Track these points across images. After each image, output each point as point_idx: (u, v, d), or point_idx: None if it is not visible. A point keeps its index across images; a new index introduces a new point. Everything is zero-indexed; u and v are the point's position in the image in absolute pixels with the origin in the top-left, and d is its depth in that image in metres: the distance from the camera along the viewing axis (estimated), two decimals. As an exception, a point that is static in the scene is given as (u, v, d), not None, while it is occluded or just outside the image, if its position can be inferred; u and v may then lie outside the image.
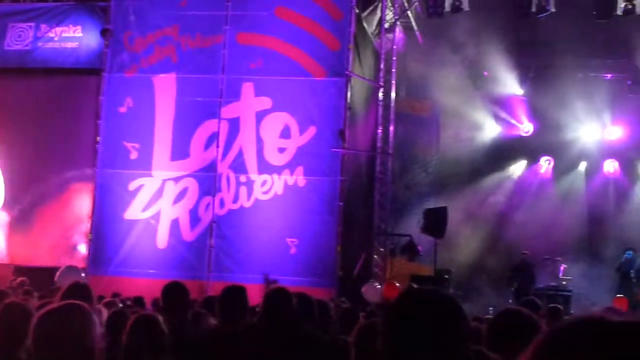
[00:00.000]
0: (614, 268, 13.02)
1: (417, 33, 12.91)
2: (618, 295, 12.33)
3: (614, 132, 14.16)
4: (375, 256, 12.80)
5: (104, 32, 11.58)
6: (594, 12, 12.61)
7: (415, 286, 7.32)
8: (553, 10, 12.39)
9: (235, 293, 4.16)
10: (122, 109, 11.43)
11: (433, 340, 1.75)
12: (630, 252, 12.98)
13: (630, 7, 12.45)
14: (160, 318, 3.25)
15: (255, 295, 4.53)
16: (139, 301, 7.34)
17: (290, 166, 11.28)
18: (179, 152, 11.04)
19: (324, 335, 4.09)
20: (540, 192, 14.60)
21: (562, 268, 13.33)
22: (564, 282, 13.11)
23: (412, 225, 12.95)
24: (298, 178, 11.30)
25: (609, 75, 13.93)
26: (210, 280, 10.52)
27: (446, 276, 12.65)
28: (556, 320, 5.65)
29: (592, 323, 0.96)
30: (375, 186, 12.97)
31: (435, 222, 12.51)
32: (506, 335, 2.60)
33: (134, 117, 11.39)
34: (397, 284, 11.48)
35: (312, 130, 11.31)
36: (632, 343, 0.92)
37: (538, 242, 13.61)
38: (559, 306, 7.40)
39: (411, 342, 1.75)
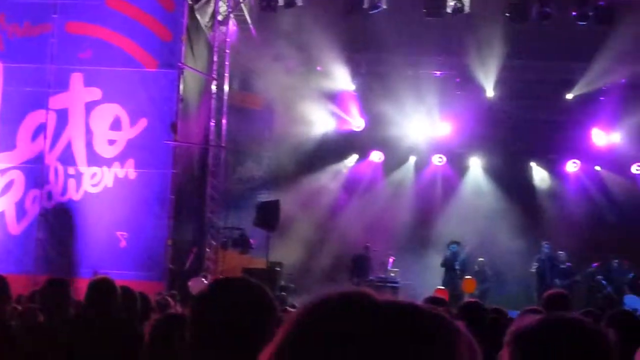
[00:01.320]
0: (440, 263, 17.24)
1: (251, 26, 16.09)
2: (439, 287, 16.52)
3: (443, 128, 18.44)
4: (207, 250, 15.84)
5: None
6: (424, 10, 16.48)
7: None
8: (385, 7, 16.07)
9: (56, 286, 5.13)
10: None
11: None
12: (455, 245, 17.32)
13: (459, 5, 16.41)
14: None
15: (85, 289, 5.33)
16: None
17: (121, 159, 13.87)
18: (5, 143, 13.35)
19: (141, 327, 4.86)
20: (372, 186, 18.77)
21: (390, 260, 17.47)
22: (392, 274, 17.25)
23: (245, 219, 16.25)
24: (129, 171, 13.93)
25: (438, 73, 18.12)
26: (38, 275, 12.92)
27: (278, 269, 16.10)
28: None
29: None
30: (208, 179, 15.91)
31: (268, 216, 15.92)
32: None
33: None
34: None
35: (143, 122, 13.98)
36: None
37: (369, 234, 17.64)
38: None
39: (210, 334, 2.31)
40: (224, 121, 15.90)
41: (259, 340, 2.01)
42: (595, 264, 17.48)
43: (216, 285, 2.52)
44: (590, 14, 15.79)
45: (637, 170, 18.97)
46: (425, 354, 1.17)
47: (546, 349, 2.00)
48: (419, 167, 19.15)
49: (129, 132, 14.01)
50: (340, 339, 1.16)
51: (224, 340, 2.30)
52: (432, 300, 7.01)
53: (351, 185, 18.80)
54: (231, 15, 15.77)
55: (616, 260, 17.60)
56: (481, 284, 17.32)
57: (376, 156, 18.92)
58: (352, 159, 19.09)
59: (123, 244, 13.76)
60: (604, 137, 18.42)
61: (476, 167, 19.47)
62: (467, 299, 14.21)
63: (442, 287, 16.58)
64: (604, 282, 17.28)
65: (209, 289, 2.49)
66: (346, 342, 1.15)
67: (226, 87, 15.90)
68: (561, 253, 17.56)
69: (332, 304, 1.22)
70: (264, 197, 16.82)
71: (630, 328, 4.62)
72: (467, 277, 17.20)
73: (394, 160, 18.88)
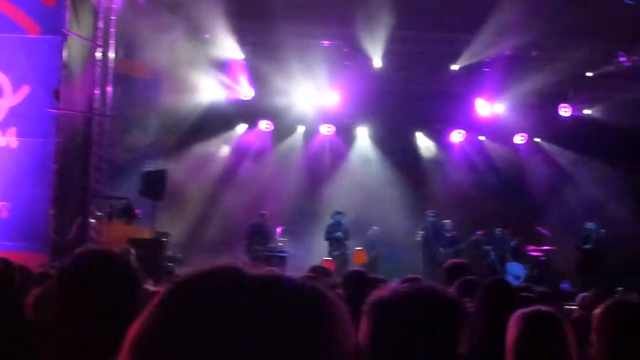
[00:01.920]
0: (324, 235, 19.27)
1: None
2: (326, 258, 18.58)
3: (331, 97, 20.50)
4: (91, 220, 17.10)
5: None
6: (313, -20, 18.30)
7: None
8: (273, -24, 17.80)
9: None
10: None
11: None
12: (339, 215, 19.39)
13: (348, -24, 18.45)
14: None
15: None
16: None
17: (2, 127, 14.85)
18: None
19: (21, 299, 4.92)
20: (260, 155, 20.90)
21: (279, 230, 19.39)
22: (281, 244, 19.14)
23: (131, 189, 17.70)
24: (10, 139, 14.95)
25: (326, 43, 20.00)
26: None
27: (165, 239, 17.44)
28: None
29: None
30: (93, 148, 16.97)
31: (154, 185, 17.33)
32: None
33: None
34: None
35: (25, 90, 14.98)
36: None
37: (258, 203, 19.62)
38: (274, 268, 12.25)
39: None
40: (109, 89, 17.02)
41: (125, 312, 2.26)
42: (479, 232, 20.09)
43: (78, 258, 2.69)
44: (476, -14, 18.01)
45: (520, 140, 21.87)
46: (289, 327, 1.26)
47: (398, 319, 2.22)
48: (308, 137, 21.48)
49: (10, 100, 14.98)
50: (202, 317, 1.25)
51: (88, 313, 2.48)
52: (316, 269, 8.25)
53: (240, 155, 20.93)
54: (117, -19, 17.00)
55: (499, 229, 20.28)
56: (370, 252, 19.63)
57: (265, 125, 21.05)
58: (241, 128, 21.20)
59: (4, 214, 14.70)
60: (487, 108, 20.98)
61: (364, 137, 21.87)
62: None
63: (329, 258, 18.72)
64: (488, 250, 19.90)
65: (71, 262, 2.68)
66: (209, 320, 1.24)
67: (112, 55, 17.00)
68: (447, 222, 20.05)
69: (197, 281, 1.31)
70: (151, 166, 18.23)
71: (504, 296, 5.35)
72: (357, 248, 19.45)
73: (283, 130, 21.09)
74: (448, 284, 6.55)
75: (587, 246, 19.53)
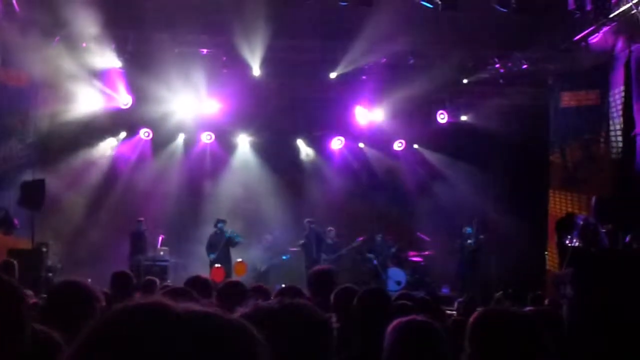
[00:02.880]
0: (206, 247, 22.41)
1: (14, 0, 19.53)
2: (217, 265, 21.84)
3: (210, 105, 23.57)
4: (-30, 231, 19.49)
5: None
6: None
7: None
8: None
9: None
10: None
11: None
12: (222, 223, 22.66)
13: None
14: None
15: None
16: None
17: None
18: None
19: None
20: (141, 163, 24.07)
21: (160, 238, 22.52)
22: (162, 253, 22.19)
23: (9, 199, 20.04)
24: None
25: (205, 51, 22.62)
26: None
27: (44, 249, 19.91)
28: (151, 292, 9.30)
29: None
30: None
31: (33, 195, 19.75)
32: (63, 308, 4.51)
33: None
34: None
35: None
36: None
37: (139, 211, 22.70)
38: (154, 278, 10.99)
39: None
40: (-15, 98, 19.44)
41: (8, 329, 2.67)
42: (360, 238, 23.23)
43: None
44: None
45: (398, 146, 25.35)
46: None
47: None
48: (188, 145, 24.81)
49: None
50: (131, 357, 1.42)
51: None
52: (194, 281, 7.88)
53: (120, 163, 24.00)
54: (-7, -10, 19.47)
55: (380, 235, 23.56)
56: (263, 261, 22.92)
57: (144, 133, 24.18)
58: (120, 137, 24.32)
59: None
60: (366, 115, 24.31)
61: (244, 144, 25.24)
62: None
63: (218, 265, 21.93)
64: (369, 255, 23.13)
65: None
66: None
67: (-13, 64, 19.41)
68: (330, 229, 23.27)
69: (124, 319, 1.47)
70: (29, 175, 20.69)
71: (379, 305, 5.90)
72: (238, 260, 22.41)
73: (163, 138, 24.24)
74: (315, 292, 7.54)
75: (467, 247, 22.84)
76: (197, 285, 7.48)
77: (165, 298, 1.56)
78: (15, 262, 12.65)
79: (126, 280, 8.90)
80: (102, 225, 22.70)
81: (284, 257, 23.19)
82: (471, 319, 3.94)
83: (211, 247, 22.50)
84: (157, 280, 10.74)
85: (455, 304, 13.19)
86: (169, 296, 1.58)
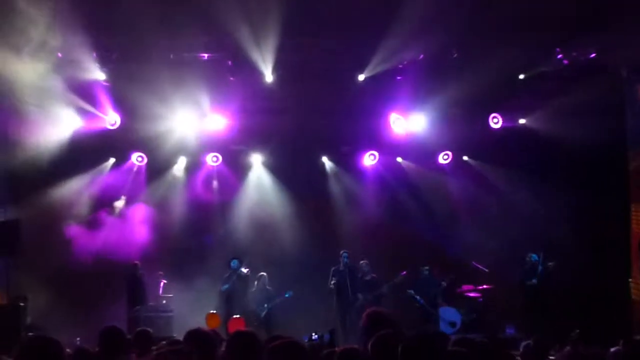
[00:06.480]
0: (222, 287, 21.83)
1: None
2: (235, 317, 21.23)
3: (215, 121, 22.86)
4: None
5: None
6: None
7: None
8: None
9: None
10: None
11: None
12: (236, 261, 22.11)
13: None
14: None
15: None
16: None
17: None
18: None
19: None
20: (134, 194, 23.45)
21: (162, 283, 21.86)
22: (165, 301, 21.55)
23: None
24: None
25: (206, 56, 21.89)
26: None
27: (22, 304, 19.17)
28: (146, 347, 9.32)
29: None
30: None
31: (6, 239, 19.22)
32: None
33: None
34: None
35: None
36: None
37: (134, 252, 22.05)
38: (148, 330, 10.32)
39: None
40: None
41: None
42: (403, 273, 22.38)
43: None
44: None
45: (444, 159, 24.56)
46: None
47: None
48: (191, 169, 24.12)
49: None
50: None
51: None
52: (195, 335, 7.53)
53: (109, 195, 23.28)
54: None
55: (426, 268, 22.80)
56: (266, 304, 22.14)
57: (137, 158, 23.52)
58: (108, 164, 23.59)
59: None
60: (403, 123, 23.55)
61: (258, 166, 24.53)
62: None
63: (238, 316, 21.40)
64: (413, 293, 22.36)
65: None
66: None
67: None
68: (363, 262, 22.49)
69: None
70: (0, 216, 20.18)
71: (430, 356, 5.80)
72: (211, 311, 21.67)
73: (160, 162, 23.52)
74: (368, 339, 6.97)
75: (532, 281, 21.92)
76: (199, 341, 7.40)
77: None
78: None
79: (117, 338, 8.79)
80: (92, 271, 22.00)
81: (286, 295, 22.40)
82: None
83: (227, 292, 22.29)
84: (151, 332, 10.33)
85: (522, 348, 12.66)
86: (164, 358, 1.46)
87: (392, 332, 6.69)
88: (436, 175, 24.78)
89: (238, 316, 21.54)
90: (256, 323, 21.71)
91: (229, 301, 22.19)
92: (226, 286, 22.07)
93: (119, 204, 23.57)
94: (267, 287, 22.52)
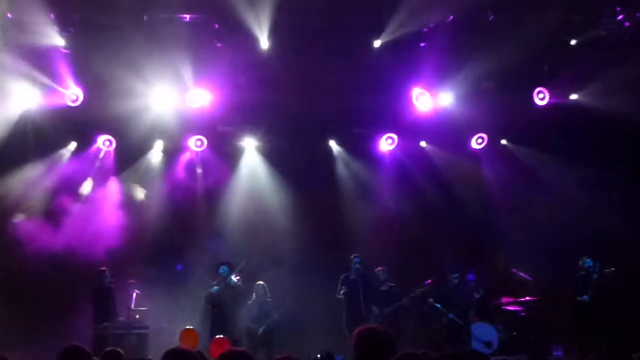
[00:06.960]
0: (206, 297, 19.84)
1: None
2: (219, 336, 18.93)
3: (198, 96, 20.25)
4: None
5: None
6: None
7: None
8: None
9: None
10: None
11: None
12: (225, 267, 19.93)
13: None
14: None
15: None
16: None
17: None
18: None
19: None
20: (101, 185, 21.03)
21: (134, 294, 19.59)
22: (137, 316, 19.28)
23: None
24: None
25: (187, 17, 19.48)
26: None
27: None
28: None
29: None
30: None
31: None
32: None
33: None
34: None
35: None
36: None
37: (100, 256, 19.74)
38: (118, 351, 9.64)
39: None
40: None
41: None
42: (428, 282, 20.31)
43: None
44: None
45: (478, 143, 22.29)
46: None
47: None
48: (170, 155, 21.77)
49: None
50: None
51: None
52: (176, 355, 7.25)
53: (69, 187, 20.78)
54: None
55: (456, 275, 20.72)
56: (264, 320, 20.07)
57: (104, 142, 21.08)
58: (70, 148, 21.18)
59: None
60: (428, 100, 21.01)
61: (251, 151, 22.31)
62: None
63: (221, 336, 19.11)
64: (432, 301, 20.30)
65: None
66: None
67: None
68: (380, 270, 20.43)
69: None
70: None
71: None
72: (187, 327, 19.36)
73: (132, 147, 21.11)
74: None
75: (584, 297, 20.08)
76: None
77: None
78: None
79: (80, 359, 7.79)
80: (49, 276, 19.77)
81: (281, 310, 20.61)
82: None
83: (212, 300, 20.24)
84: (122, 353, 9.44)
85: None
86: None
87: (417, 354, 6.18)
88: (468, 163, 22.71)
89: (222, 336, 19.17)
90: (253, 343, 19.98)
91: (214, 316, 20.17)
92: (216, 288, 20.01)
93: (83, 190, 21.31)
94: (268, 298, 20.42)
